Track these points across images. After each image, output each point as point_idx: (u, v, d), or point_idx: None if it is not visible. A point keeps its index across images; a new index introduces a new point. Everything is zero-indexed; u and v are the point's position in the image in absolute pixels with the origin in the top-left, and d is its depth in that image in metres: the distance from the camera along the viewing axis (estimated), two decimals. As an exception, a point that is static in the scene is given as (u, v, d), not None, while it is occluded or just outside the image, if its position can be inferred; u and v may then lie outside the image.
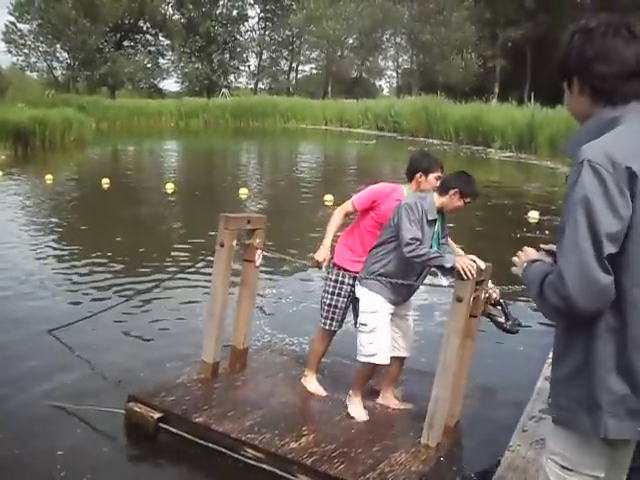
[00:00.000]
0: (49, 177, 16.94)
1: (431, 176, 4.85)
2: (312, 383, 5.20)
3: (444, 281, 4.62)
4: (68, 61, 54.98)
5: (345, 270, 5.00)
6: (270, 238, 5.63)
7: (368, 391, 4.97)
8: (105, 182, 16.62)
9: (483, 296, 4.48)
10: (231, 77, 66.69)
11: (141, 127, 40.37)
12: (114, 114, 40.28)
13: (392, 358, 4.76)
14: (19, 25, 54.22)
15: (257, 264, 5.43)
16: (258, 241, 5.35)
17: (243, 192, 15.59)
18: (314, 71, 72.55)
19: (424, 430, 4.39)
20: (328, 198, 14.65)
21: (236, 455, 4.29)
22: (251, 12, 77.48)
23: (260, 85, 69.37)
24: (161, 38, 61.18)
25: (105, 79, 53.70)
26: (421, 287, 4.97)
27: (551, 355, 2.29)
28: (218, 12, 62.54)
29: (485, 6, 55.60)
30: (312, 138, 39.53)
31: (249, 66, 68.74)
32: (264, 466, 4.18)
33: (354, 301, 5.04)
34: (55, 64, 56.12)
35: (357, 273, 4.85)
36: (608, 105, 2.13)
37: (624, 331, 2.03)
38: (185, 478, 4.47)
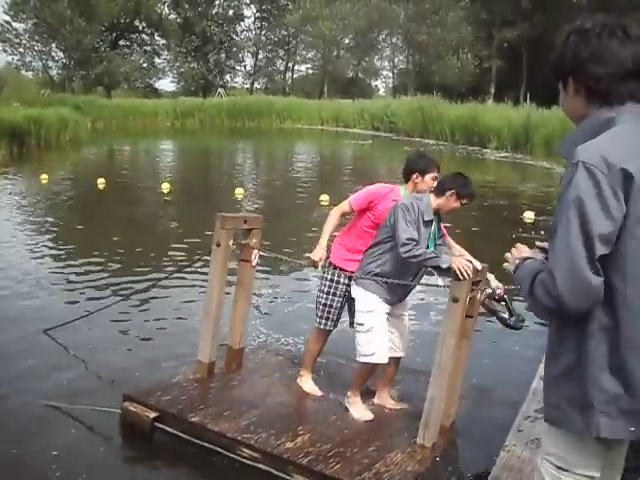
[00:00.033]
0: (44, 177, 16.91)
1: (428, 177, 4.85)
2: (308, 383, 5.21)
3: (440, 281, 4.63)
4: (64, 60, 54.90)
5: (341, 269, 5.00)
6: (266, 238, 5.63)
7: (364, 391, 4.96)
8: (101, 182, 16.59)
9: (481, 295, 4.48)
10: (227, 77, 66.67)
11: (137, 127, 40.32)
12: (110, 114, 40.21)
13: (388, 358, 4.76)
14: (14, 24, 54.13)
15: (253, 264, 5.43)
16: (255, 241, 5.35)
17: (239, 192, 15.59)
18: (310, 71, 72.65)
19: (420, 430, 4.39)
20: (324, 198, 14.65)
21: (232, 455, 4.29)
22: (247, 12, 77.57)
23: (256, 85, 69.39)
24: (157, 38, 61.16)
25: (101, 79, 53.62)
26: (417, 287, 4.98)
27: (546, 355, 2.30)
28: (214, 12, 62.48)
29: (481, 6, 55.60)
30: (308, 138, 39.53)
31: (245, 66, 68.80)
32: (260, 466, 4.18)
33: (349, 301, 5.05)
34: (50, 63, 56.09)
35: (353, 273, 4.85)
36: (603, 106, 2.13)
37: (617, 331, 2.04)
38: (181, 478, 4.46)
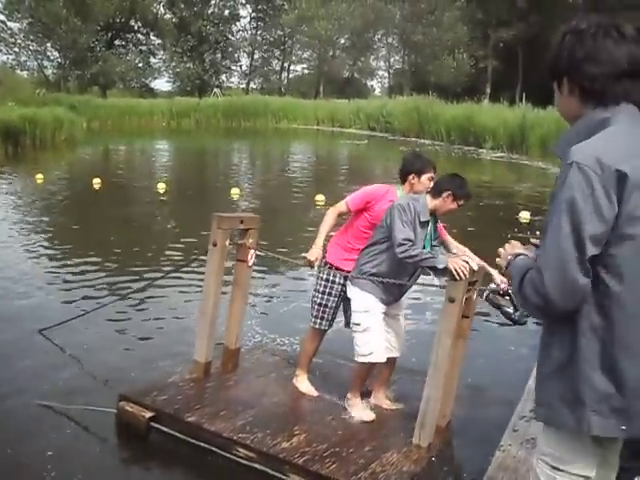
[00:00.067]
0: (40, 176, 16.87)
1: (424, 177, 4.86)
2: (303, 383, 5.21)
3: (436, 281, 4.63)
4: (59, 60, 54.72)
5: (337, 269, 5.00)
6: (262, 237, 5.64)
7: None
8: (96, 182, 16.57)
9: (476, 296, 4.49)
10: (223, 77, 66.55)
11: (132, 127, 40.25)
12: (105, 113, 40.12)
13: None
14: (9, 23, 53.97)
15: (250, 264, 5.43)
16: (251, 241, 5.35)
17: (235, 192, 15.58)
18: (306, 71, 72.61)
19: (416, 430, 4.40)
20: (320, 198, 14.67)
21: (228, 455, 4.30)
22: (243, 12, 77.52)
23: (252, 85, 69.29)
24: (152, 37, 61.00)
25: (96, 78, 53.48)
26: (413, 286, 4.98)
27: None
28: (210, 12, 62.37)
29: (477, 6, 55.62)
30: (304, 138, 39.52)
31: (241, 66, 68.72)
32: (256, 465, 4.19)
33: (345, 301, 5.05)
34: (46, 63, 55.88)
35: (349, 272, 4.86)
36: (598, 106, 2.13)
37: (609, 330, 2.05)
38: (177, 477, 4.47)
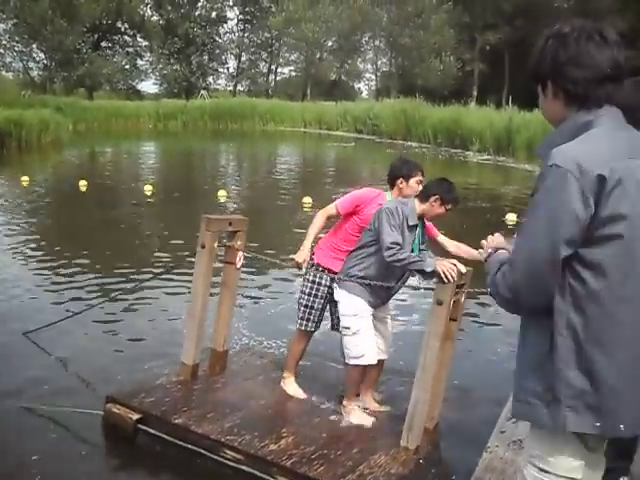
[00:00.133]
0: (25, 178, 16.77)
1: (412, 181, 4.87)
2: (291, 385, 5.21)
3: (421, 282, 4.65)
4: (45, 61, 54.43)
5: (325, 269, 5.01)
6: (249, 239, 5.63)
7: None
8: (82, 184, 16.48)
9: (464, 299, 4.51)
10: (210, 79, 66.41)
11: (119, 129, 40.10)
12: (92, 115, 39.93)
13: (372, 360, 4.77)
14: (-6, 24, 53.70)
15: (238, 266, 5.43)
16: (239, 243, 5.35)
17: (222, 194, 15.55)
18: (293, 73, 72.65)
19: (403, 432, 4.41)
20: (307, 200, 14.67)
21: (215, 457, 4.29)
22: (230, 14, 77.57)
23: (239, 87, 69.16)
24: (139, 39, 60.82)
25: (82, 80, 53.22)
26: (400, 289, 4.99)
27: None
28: (197, 14, 62.23)
29: (463, 10, 55.78)
30: (291, 140, 39.51)
31: (228, 68, 68.55)
32: (243, 468, 4.18)
33: (331, 303, 5.06)
34: (31, 64, 55.55)
35: (336, 274, 4.86)
36: (581, 109, 2.16)
37: (586, 328, 2.07)
38: (164, 479, 4.45)
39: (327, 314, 5.19)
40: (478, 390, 5.56)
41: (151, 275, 7.94)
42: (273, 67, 70.42)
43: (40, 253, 10.14)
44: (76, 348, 6.27)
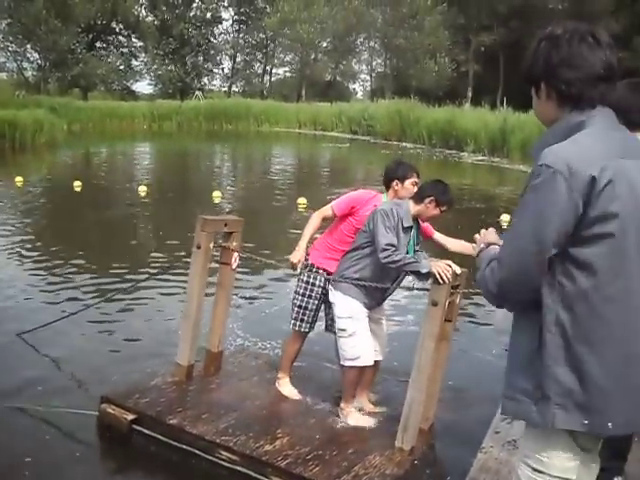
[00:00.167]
0: (19, 179, 16.71)
1: (407, 182, 4.88)
2: (286, 386, 5.21)
3: (416, 283, 4.65)
4: (39, 62, 54.32)
5: (319, 268, 5.01)
6: (244, 240, 5.63)
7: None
8: (77, 184, 16.45)
9: (459, 300, 4.51)
10: (205, 80, 66.31)
11: (114, 129, 40.03)
12: (86, 116, 39.83)
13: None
14: (-12, 24, 53.55)
15: (233, 267, 5.43)
16: (235, 244, 5.35)
17: (216, 195, 15.53)
18: (288, 74, 72.64)
19: (398, 433, 4.41)
20: (302, 201, 14.67)
21: (210, 457, 4.29)
22: (225, 14, 77.55)
23: (234, 88, 69.12)
24: (134, 40, 60.77)
25: (77, 80, 53.11)
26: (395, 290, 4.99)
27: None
28: (192, 14, 62.13)
29: (458, 11, 55.91)
30: (286, 141, 39.51)
31: (223, 69, 68.54)
32: (238, 468, 4.18)
33: (326, 304, 5.06)
34: (25, 64, 55.43)
35: (331, 274, 4.87)
36: (575, 109, 2.18)
37: (575, 326, 2.09)
38: (159, 480, 4.46)
39: (321, 314, 5.20)
40: (473, 391, 5.57)
41: (146, 276, 7.94)
42: (268, 68, 70.43)
43: (35, 254, 10.12)
44: (71, 348, 6.27)
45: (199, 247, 5.11)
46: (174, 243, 10.24)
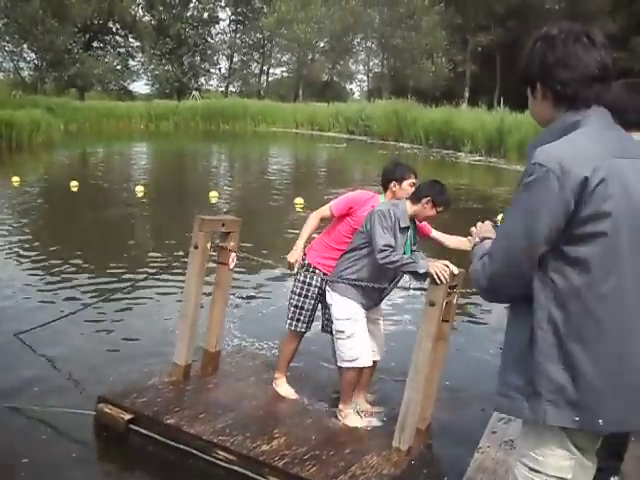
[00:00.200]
0: (16, 179, 16.67)
1: (405, 183, 4.89)
2: (283, 386, 5.21)
3: (413, 283, 4.65)
4: (35, 61, 54.20)
5: (316, 268, 5.01)
6: (241, 239, 5.63)
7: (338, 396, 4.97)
8: (74, 184, 16.43)
9: (456, 300, 4.52)
10: (202, 79, 66.25)
11: (110, 129, 39.96)
12: (83, 116, 39.74)
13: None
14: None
15: (231, 267, 5.43)
16: (232, 244, 5.35)
17: (213, 195, 15.52)
18: (285, 74, 72.61)
19: (396, 433, 4.41)
20: (299, 201, 14.67)
21: (207, 457, 4.29)
22: (222, 14, 77.45)
23: (231, 88, 69.04)
24: (131, 40, 60.66)
25: (74, 80, 53.01)
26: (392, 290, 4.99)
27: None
28: (189, 14, 62.06)
29: (455, 11, 55.94)
30: (283, 141, 39.50)
31: (220, 69, 68.44)
32: (235, 468, 4.18)
33: (322, 304, 5.06)
34: (22, 64, 55.26)
35: (327, 274, 4.87)
36: (570, 109, 2.19)
37: (567, 323, 2.10)
38: (156, 480, 4.46)
39: (318, 314, 5.20)
40: (470, 390, 5.57)
41: (144, 276, 7.93)
42: (265, 68, 70.40)
43: (32, 253, 10.10)
44: (68, 348, 6.26)
45: (196, 247, 5.10)
46: (171, 243, 10.24)
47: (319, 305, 5.13)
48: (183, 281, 5.52)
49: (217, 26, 66.78)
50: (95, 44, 58.42)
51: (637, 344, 2.12)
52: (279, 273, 8.86)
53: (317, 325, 5.28)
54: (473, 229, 2.53)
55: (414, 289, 4.83)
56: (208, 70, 66.82)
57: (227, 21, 68.40)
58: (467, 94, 54.04)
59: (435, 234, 5.14)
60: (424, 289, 4.46)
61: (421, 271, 4.28)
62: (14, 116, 25.82)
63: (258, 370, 5.64)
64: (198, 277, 5.19)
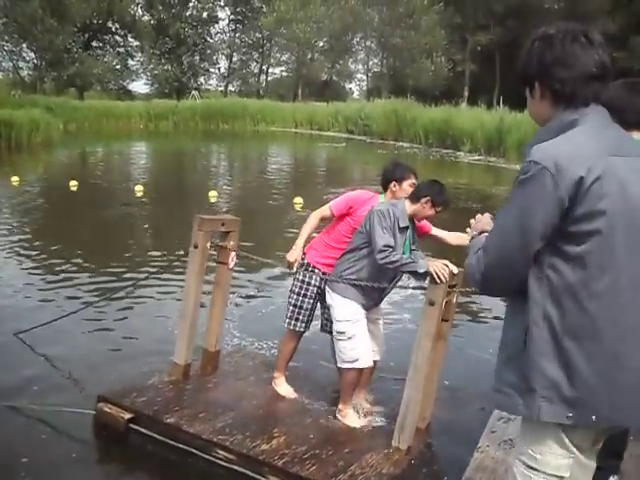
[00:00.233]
0: (15, 179, 16.68)
1: (405, 184, 4.89)
2: (282, 385, 5.21)
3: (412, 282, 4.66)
4: (35, 61, 54.17)
5: (318, 269, 5.01)
6: (240, 239, 5.63)
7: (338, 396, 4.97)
8: (73, 184, 16.44)
9: (456, 299, 4.52)
10: (201, 79, 66.26)
11: (110, 129, 39.96)
12: (82, 115, 39.75)
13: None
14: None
15: (231, 266, 5.43)
16: (232, 243, 5.35)
17: (212, 194, 15.52)
18: (284, 74, 72.62)
19: (395, 432, 4.41)
20: (298, 200, 14.67)
21: (207, 456, 4.29)
22: (221, 14, 77.44)
23: (230, 87, 69.07)
24: (130, 39, 60.64)
25: (73, 80, 52.99)
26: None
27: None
28: (188, 14, 62.06)
29: (455, 11, 55.93)
30: (282, 141, 39.49)
31: (219, 68, 68.48)
32: (235, 467, 4.18)
33: (321, 304, 5.06)
34: (21, 64, 55.25)
35: (327, 274, 4.87)
36: (568, 108, 2.20)
37: (562, 320, 2.11)
38: (155, 479, 4.45)
39: (317, 314, 5.20)
40: (469, 390, 5.57)
41: (144, 275, 7.93)
42: (264, 67, 70.40)
43: (32, 253, 10.09)
44: (68, 347, 6.26)
45: (196, 246, 5.11)
46: (171, 242, 10.23)
47: (318, 304, 5.13)
48: (183, 280, 5.52)
49: (216, 26, 66.96)
50: (94, 44, 58.43)
51: (632, 342, 2.13)
52: (279, 272, 8.86)
53: (316, 324, 5.28)
54: (472, 221, 2.55)
55: (413, 288, 4.83)
56: (207, 70, 66.89)
57: (226, 21, 68.52)
58: (466, 93, 54.04)
59: (435, 231, 5.14)
60: (424, 288, 4.46)
61: (421, 271, 4.28)
62: (13, 116, 25.81)
63: (258, 369, 5.64)
64: (198, 276, 5.19)
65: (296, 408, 5.00)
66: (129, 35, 60.03)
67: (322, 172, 25.42)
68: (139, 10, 61.16)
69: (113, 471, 4.50)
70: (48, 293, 7.98)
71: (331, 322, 4.85)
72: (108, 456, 4.65)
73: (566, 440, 2.17)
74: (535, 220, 2.07)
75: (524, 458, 2.26)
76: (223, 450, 4.25)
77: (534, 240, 2.09)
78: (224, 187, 18.69)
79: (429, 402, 4.71)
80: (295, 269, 5.05)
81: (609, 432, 2.29)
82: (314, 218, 5.06)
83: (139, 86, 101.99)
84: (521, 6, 50.08)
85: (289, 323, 5.11)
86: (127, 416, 4.59)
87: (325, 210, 5.04)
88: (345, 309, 4.66)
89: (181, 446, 4.38)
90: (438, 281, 4.20)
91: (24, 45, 53.42)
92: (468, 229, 2.54)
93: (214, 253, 5.50)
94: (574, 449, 2.18)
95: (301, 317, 5.08)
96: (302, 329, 5.13)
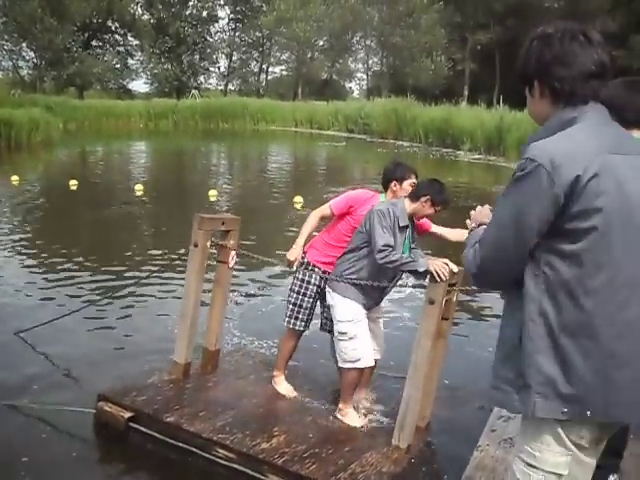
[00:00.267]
0: (15, 178, 16.67)
1: (405, 183, 4.89)
2: (282, 384, 5.22)
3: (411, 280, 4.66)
4: (34, 60, 54.14)
5: (318, 268, 5.01)
6: (240, 238, 5.63)
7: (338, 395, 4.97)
8: (73, 183, 16.44)
9: (456, 298, 4.52)
10: (201, 78, 66.25)
11: (110, 128, 39.93)
12: (82, 115, 39.71)
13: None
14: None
15: (231, 265, 5.43)
16: (232, 242, 5.35)
17: (212, 194, 15.52)
18: (284, 73, 72.60)
19: (395, 431, 4.41)
20: (298, 199, 14.67)
21: (207, 455, 4.30)
22: (221, 13, 77.39)
23: (230, 86, 69.07)
24: (130, 38, 60.60)
25: (73, 79, 52.97)
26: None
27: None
28: (188, 13, 62.03)
29: (455, 9, 55.91)
30: (282, 140, 39.47)
31: (219, 67, 68.45)
32: (235, 466, 4.19)
33: (321, 303, 5.06)
34: (21, 63, 55.22)
35: (327, 272, 4.87)
36: (567, 106, 2.21)
37: (558, 317, 2.12)
38: (156, 478, 4.45)
39: (316, 312, 5.20)
40: (469, 388, 5.57)
41: (144, 274, 7.93)
42: (264, 66, 70.38)
43: (32, 252, 10.11)
44: (68, 346, 6.26)
45: (196, 245, 5.11)
46: (171, 241, 10.23)
47: (318, 303, 5.13)
48: (183, 279, 5.52)
49: (216, 25, 66.93)
50: (94, 43, 58.41)
51: (628, 340, 2.13)
52: (279, 271, 8.86)
53: (316, 323, 5.29)
54: (473, 212, 2.57)
55: (413, 287, 4.83)
56: (207, 69, 66.86)
57: (226, 20, 68.48)
58: (466, 92, 54.02)
59: (435, 229, 5.15)
60: (424, 287, 4.46)
61: (421, 269, 4.29)
62: (13, 115, 25.79)
63: (258, 368, 5.65)
64: (198, 275, 5.20)
65: (296, 407, 5.00)
66: (129, 34, 60.01)
67: (322, 171, 25.41)
68: (139, 9, 61.22)
69: (113, 470, 4.50)
70: (49, 292, 7.98)
71: (331, 321, 4.86)
72: (108, 455, 4.66)
73: (564, 437, 2.17)
74: (530, 217, 2.08)
75: (523, 456, 2.27)
76: (223, 449, 4.26)
77: (529, 236, 2.10)
78: (224, 186, 18.69)
79: (429, 401, 4.71)
80: (295, 268, 5.05)
81: (612, 431, 2.29)
82: (314, 217, 5.07)
83: (139, 85, 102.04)
84: (521, 5, 50.06)
85: (289, 322, 5.12)
86: (127, 415, 4.59)
87: (325, 209, 5.04)
88: (346, 309, 4.66)
89: (181, 445, 4.38)
90: (438, 280, 4.21)
91: (24, 44, 53.38)
92: (468, 220, 2.56)
93: (214, 252, 5.51)
94: (572, 446, 2.18)
95: (301, 316, 5.08)
96: (302, 328, 5.13)
